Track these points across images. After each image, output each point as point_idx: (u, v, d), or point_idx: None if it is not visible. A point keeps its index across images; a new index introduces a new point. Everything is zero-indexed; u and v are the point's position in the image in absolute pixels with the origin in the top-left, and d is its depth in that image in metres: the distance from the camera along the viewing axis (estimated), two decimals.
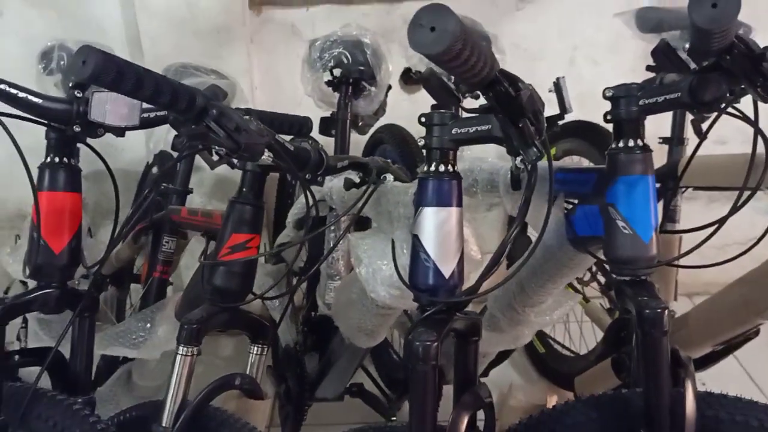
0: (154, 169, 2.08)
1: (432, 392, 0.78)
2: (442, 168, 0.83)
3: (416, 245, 0.83)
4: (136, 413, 1.02)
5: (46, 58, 1.53)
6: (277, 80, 2.23)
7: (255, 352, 1.04)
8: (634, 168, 0.83)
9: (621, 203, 0.83)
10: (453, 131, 0.82)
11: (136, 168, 2.21)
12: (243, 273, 0.98)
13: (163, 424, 0.90)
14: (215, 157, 1.70)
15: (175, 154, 1.86)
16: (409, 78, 1.69)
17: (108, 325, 1.79)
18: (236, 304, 0.98)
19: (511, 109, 0.70)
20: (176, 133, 1.67)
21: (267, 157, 0.82)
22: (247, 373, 1.03)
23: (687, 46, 1.49)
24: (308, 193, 0.93)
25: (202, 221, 1.20)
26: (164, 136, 1.62)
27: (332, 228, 1.45)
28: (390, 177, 1.05)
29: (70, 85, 1.55)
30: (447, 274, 0.82)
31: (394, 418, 1.44)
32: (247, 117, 0.80)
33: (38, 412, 0.92)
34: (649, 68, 1.64)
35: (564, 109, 0.82)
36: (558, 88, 0.82)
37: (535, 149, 0.71)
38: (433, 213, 0.82)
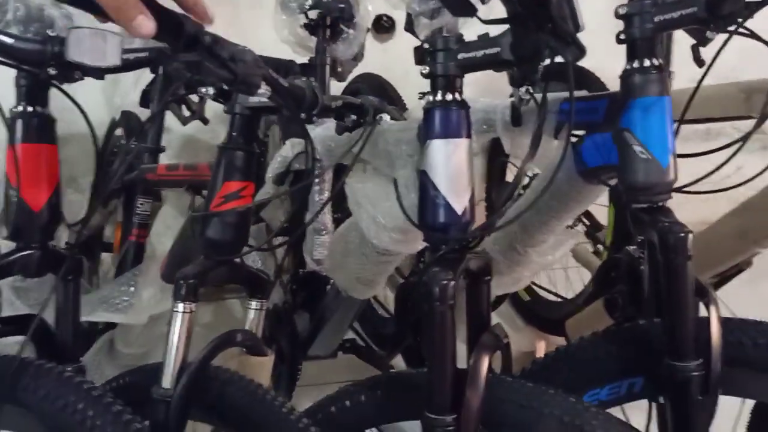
0: (118, 131, 1.98)
1: (451, 333, 0.75)
2: (449, 96, 0.78)
3: (425, 182, 0.78)
4: (130, 379, 0.96)
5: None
6: (243, 31, 2.12)
7: (254, 307, 0.98)
8: (649, 89, 0.79)
9: (637, 127, 0.79)
10: (459, 56, 0.77)
11: (96, 130, 2.10)
12: (238, 223, 0.92)
13: (164, 386, 0.85)
14: (186, 113, 1.61)
15: (141, 113, 1.77)
16: (381, 26, 1.62)
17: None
18: (233, 257, 0.92)
19: (537, 15, 0.64)
20: (144, 88, 1.59)
21: (265, 90, 0.76)
22: (247, 329, 0.98)
23: None
24: (308, 137, 0.87)
25: (186, 175, 1.13)
26: (129, 93, 1.52)
27: (316, 179, 1.40)
28: (386, 117, 0.99)
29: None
30: (459, 210, 0.77)
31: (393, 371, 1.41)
32: (242, 47, 0.73)
33: (26, 383, 0.84)
34: None
35: (577, 25, 0.77)
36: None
37: (575, 47, 0.65)
38: (442, 145, 0.77)
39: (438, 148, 0.77)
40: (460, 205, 0.77)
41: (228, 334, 0.92)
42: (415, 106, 1.75)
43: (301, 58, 1.44)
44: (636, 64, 0.80)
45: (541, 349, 1.85)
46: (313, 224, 1.40)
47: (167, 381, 0.86)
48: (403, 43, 1.70)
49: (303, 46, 1.38)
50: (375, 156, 0.96)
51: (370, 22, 1.39)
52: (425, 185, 0.78)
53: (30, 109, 0.91)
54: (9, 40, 0.84)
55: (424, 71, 0.78)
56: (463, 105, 0.78)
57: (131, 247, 1.48)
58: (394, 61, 1.91)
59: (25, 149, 0.91)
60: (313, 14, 1.35)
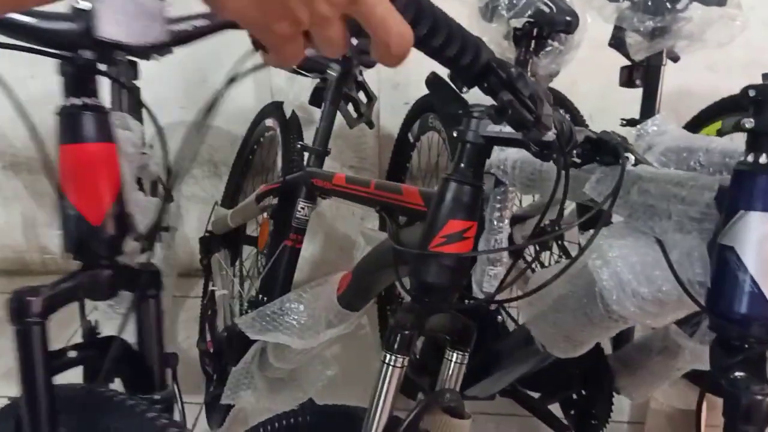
0: (268, 122, 1.91)
1: None
2: None
3: (729, 260, 0.63)
4: (312, 419, 0.88)
5: None
6: None
7: (455, 360, 0.87)
8: None
9: None
10: None
11: (243, 117, 2.06)
12: (457, 269, 0.80)
13: None
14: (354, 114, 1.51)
15: (307, 110, 1.69)
16: None
17: (225, 291, 1.68)
18: (455, 306, 0.81)
19: None
20: (316, 85, 1.50)
21: (553, 133, 0.63)
22: (445, 385, 0.86)
23: None
24: (566, 173, 0.73)
25: (381, 196, 1.01)
26: (306, 86, 1.43)
27: (497, 206, 1.27)
28: (631, 158, 0.84)
29: None
30: None
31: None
32: (534, 81, 0.60)
33: (105, 421, 0.75)
34: None
35: None
36: None
37: None
38: (761, 220, 0.62)
39: (756, 222, 0.62)
40: None
41: (436, 394, 0.81)
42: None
43: None
44: None
45: (703, 413, 1.66)
46: (487, 254, 1.27)
47: None
48: None
49: (504, 57, 1.24)
50: (628, 206, 0.82)
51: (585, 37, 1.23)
52: (728, 264, 0.63)
53: (77, 101, 0.75)
54: (30, 20, 0.68)
55: (747, 124, 0.63)
56: None
57: (286, 253, 1.40)
58: (570, 75, 1.75)
59: (75, 151, 0.75)
60: (518, 23, 1.21)
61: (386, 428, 0.75)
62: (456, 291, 0.82)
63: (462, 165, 0.80)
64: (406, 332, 0.76)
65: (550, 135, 0.63)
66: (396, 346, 0.76)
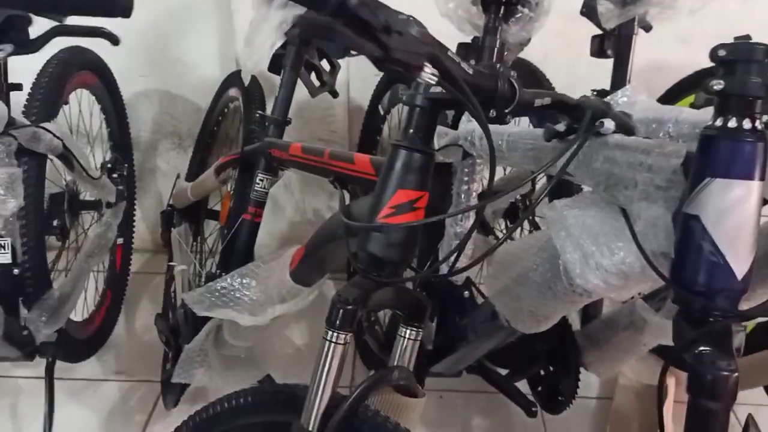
0: (232, 91, 1.84)
1: None
2: (746, 124, 0.57)
3: (694, 230, 0.59)
4: (252, 399, 0.83)
5: None
6: None
7: (409, 337, 0.82)
8: None
9: None
10: None
11: (208, 87, 1.98)
12: (407, 240, 0.74)
13: (309, 428, 0.71)
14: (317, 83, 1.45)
15: (272, 79, 1.61)
16: None
17: (184, 266, 1.61)
18: (399, 280, 0.76)
19: None
20: (276, 52, 1.43)
21: (430, 75, 0.58)
22: (397, 362, 0.81)
23: None
24: (489, 139, 0.67)
25: (334, 165, 0.96)
26: (264, 57, 1.35)
27: (464, 178, 1.22)
28: (610, 124, 0.78)
29: None
30: (739, 274, 0.58)
31: (535, 409, 1.23)
32: (406, 17, 0.56)
33: None
34: None
35: None
36: None
37: None
38: (728, 187, 0.58)
39: (721, 189, 0.57)
40: (740, 267, 0.58)
41: (384, 371, 0.76)
42: None
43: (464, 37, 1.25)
44: None
45: (672, 386, 1.64)
46: (454, 228, 1.23)
47: (311, 421, 0.71)
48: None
49: (472, 24, 1.18)
50: (586, 174, 0.77)
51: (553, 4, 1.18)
52: (692, 234, 0.59)
53: None
54: None
55: (716, 86, 0.58)
56: (762, 137, 0.58)
57: (245, 227, 1.34)
58: (533, 42, 1.70)
59: None
60: None
61: (328, 407, 0.70)
62: (407, 264, 0.77)
63: (411, 130, 0.74)
64: (349, 308, 0.71)
65: (428, 77, 0.58)
66: (338, 323, 0.71)
